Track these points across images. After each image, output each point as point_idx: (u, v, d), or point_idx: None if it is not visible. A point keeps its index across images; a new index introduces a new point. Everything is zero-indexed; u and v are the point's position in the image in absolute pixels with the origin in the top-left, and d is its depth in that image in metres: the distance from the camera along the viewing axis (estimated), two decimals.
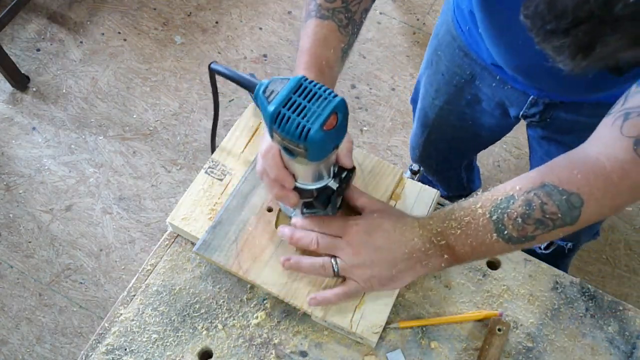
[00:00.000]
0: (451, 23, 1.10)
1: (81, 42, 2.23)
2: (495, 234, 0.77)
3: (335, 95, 0.66)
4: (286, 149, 0.71)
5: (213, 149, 0.99)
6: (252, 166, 0.95)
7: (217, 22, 2.25)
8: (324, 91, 0.66)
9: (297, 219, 0.86)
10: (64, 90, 2.15)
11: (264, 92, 0.68)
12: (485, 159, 2.02)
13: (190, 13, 2.27)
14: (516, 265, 0.93)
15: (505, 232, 0.77)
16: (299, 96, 0.66)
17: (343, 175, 0.79)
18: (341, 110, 0.67)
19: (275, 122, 0.66)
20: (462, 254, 0.80)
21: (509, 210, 0.76)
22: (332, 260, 0.83)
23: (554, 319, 0.90)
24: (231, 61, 2.17)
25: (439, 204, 0.97)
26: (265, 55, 2.19)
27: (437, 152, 1.48)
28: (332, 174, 0.79)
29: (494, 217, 0.77)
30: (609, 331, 0.89)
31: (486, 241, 0.78)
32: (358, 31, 0.93)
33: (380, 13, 2.27)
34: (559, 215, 0.74)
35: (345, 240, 0.82)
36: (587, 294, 0.91)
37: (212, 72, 0.79)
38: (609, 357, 0.87)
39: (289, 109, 0.66)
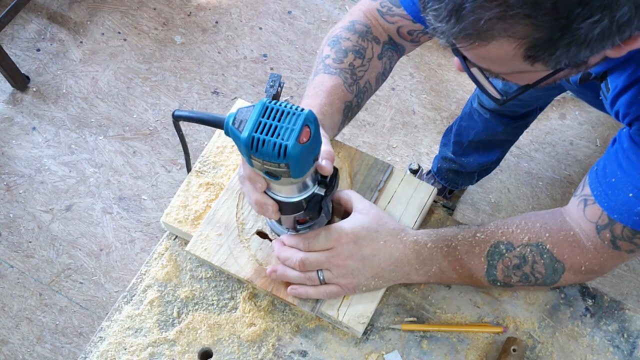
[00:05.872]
0: None
1: (81, 42, 2.23)
2: (484, 274, 0.84)
3: (303, 109, 0.67)
4: (268, 173, 0.71)
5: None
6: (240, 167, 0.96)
7: (217, 22, 2.25)
8: (291, 107, 0.67)
9: (285, 236, 0.87)
10: (64, 90, 2.15)
11: (233, 123, 0.69)
12: None
13: (190, 13, 2.27)
14: None
15: (494, 275, 0.84)
16: (268, 118, 0.67)
17: (327, 180, 0.79)
18: (312, 121, 0.67)
19: (252, 147, 0.67)
20: (447, 279, 0.87)
21: (504, 258, 0.83)
22: (318, 272, 0.84)
23: (554, 318, 0.90)
24: (231, 61, 2.17)
25: (435, 201, 0.97)
26: (265, 55, 2.19)
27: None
28: (316, 182, 0.79)
29: (490, 261, 0.83)
30: (609, 331, 0.89)
31: (473, 277, 0.85)
32: (364, 97, 0.96)
33: None
34: (544, 275, 0.83)
35: (332, 253, 0.83)
36: (587, 293, 0.91)
37: (177, 119, 0.78)
38: (609, 356, 0.87)
39: (261, 132, 0.66)
